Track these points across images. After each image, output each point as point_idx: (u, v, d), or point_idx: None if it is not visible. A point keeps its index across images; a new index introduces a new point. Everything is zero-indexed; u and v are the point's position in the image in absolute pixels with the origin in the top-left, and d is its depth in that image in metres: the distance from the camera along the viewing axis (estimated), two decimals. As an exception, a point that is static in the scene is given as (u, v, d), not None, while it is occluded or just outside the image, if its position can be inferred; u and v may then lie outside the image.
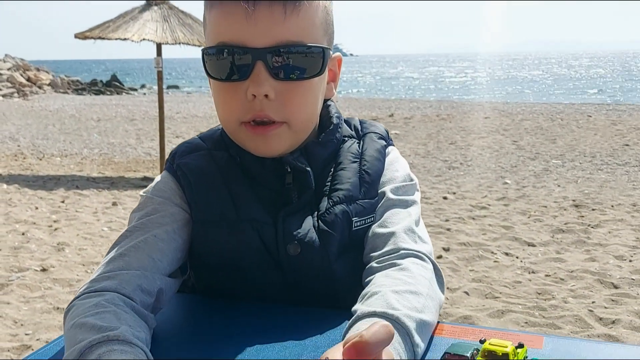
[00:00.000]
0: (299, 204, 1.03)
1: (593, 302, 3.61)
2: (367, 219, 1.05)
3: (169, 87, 34.66)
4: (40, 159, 9.36)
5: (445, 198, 6.43)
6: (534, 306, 3.54)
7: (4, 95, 21.84)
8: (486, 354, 0.76)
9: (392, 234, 1.01)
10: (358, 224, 1.04)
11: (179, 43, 7.70)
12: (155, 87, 9.73)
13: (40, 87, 25.02)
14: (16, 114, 16.44)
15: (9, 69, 24.69)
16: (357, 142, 1.12)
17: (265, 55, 0.94)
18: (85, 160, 9.37)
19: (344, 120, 1.14)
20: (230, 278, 1.05)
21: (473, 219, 5.59)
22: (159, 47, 7.68)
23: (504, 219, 5.60)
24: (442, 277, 1.01)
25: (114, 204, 6.28)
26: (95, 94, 26.84)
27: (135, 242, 0.98)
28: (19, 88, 23.32)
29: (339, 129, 1.10)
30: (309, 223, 1.02)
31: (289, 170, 1.04)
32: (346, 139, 1.12)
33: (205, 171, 1.05)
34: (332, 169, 1.07)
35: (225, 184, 1.04)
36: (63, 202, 6.37)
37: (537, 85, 33.26)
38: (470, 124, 13.40)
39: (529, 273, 4.17)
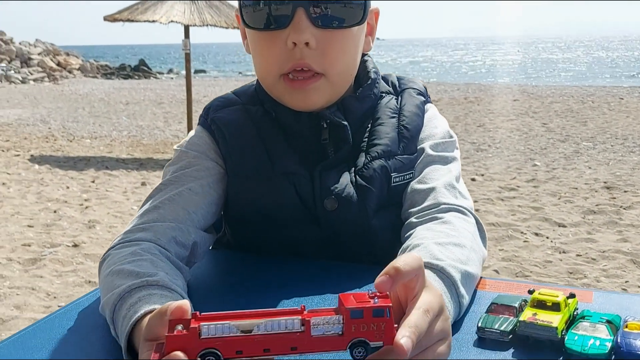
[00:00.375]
0: (336, 159, 1.01)
1: (626, 282, 3.54)
2: (406, 175, 1.03)
3: (196, 71, 34.71)
4: (71, 141, 9.47)
5: (473, 180, 6.36)
6: (566, 285, 3.49)
7: (35, 80, 22.15)
8: (535, 303, 0.74)
9: (432, 190, 0.99)
10: (397, 179, 1.02)
11: (207, 25, 7.69)
12: (182, 72, 9.76)
13: (70, 72, 25.31)
14: (47, 98, 16.65)
15: (39, 54, 25.01)
16: (395, 98, 1.09)
17: (306, 2, 0.92)
18: (115, 142, 9.46)
19: (382, 76, 1.12)
20: (266, 233, 1.04)
21: (502, 200, 5.52)
22: (186, 29, 7.69)
23: (533, 200, 5.52)
24: (485, 232, 0.98)
25: (143, 184, 6.33)
26: (124, 78, 27.06)
27: (170, 195, 0.97)
28: (49, 72, 23.62)
29: (377, 84, 1.07)
30: (346, 178, 1.00)
31: (325, 125, 1.02)
32: (384, 94, 1.09)
33: (240, 125, 1.04)
34: (369, 125, 1.05)
35: (260, 138, 1.03)
36: (93, 182, 6.45)
37: (568, 68, 32.67)
38: (498, 107, 13.21)
39: (560, 253, 4.11)
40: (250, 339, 0.56)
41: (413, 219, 0.98)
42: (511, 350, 0.73)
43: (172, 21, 7.56)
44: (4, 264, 3.88)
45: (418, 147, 1.05)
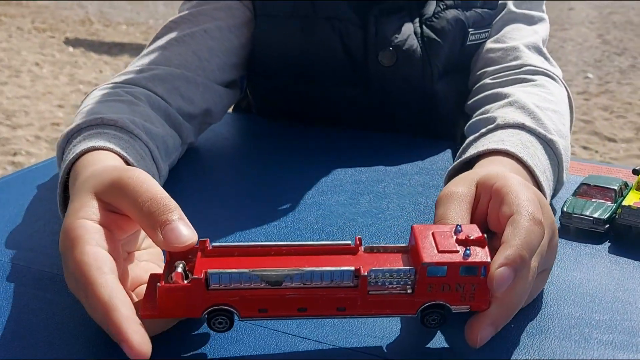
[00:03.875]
0: (396, 3, 0.80)
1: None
2: (483, 33, 0.83)
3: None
4: (107, 26, 9.28)
5: (521, 88, 6.05)
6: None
7: (73, -36, 21.73)
8: (647, 184, 0.56)
9: (513, 49, 0.79)
10: (473, 37, 0.82)
11: None
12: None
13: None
14: (85, -18, 16.32)
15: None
16: None
17: None
18: (151, 30, 9.21)
19: None
20: (298, 93, 0.85)
21: (550, 110, 5.24)
22: None
23: (583, 113, 5.21)
24: (574, 111, 0.79)
25: (177, 72, 6.18)
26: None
27: (179, 35, 0.78)
28: (88, -43, 23.10)
29: None
30: (409, 28, 0.80)
31: None
32: None
33: None
34: None
35: None
36: (127, 67, 6.33)
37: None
38: (552, 15, 12.50)
39: (609, 168, 3.89)
40: (279, 295, 0.39)
41: (488, 80, 0.78)
42: (607, 244, 0.56)
43: None
44: (32, 141, 3.81)
45: (499, 2, 0.84)
